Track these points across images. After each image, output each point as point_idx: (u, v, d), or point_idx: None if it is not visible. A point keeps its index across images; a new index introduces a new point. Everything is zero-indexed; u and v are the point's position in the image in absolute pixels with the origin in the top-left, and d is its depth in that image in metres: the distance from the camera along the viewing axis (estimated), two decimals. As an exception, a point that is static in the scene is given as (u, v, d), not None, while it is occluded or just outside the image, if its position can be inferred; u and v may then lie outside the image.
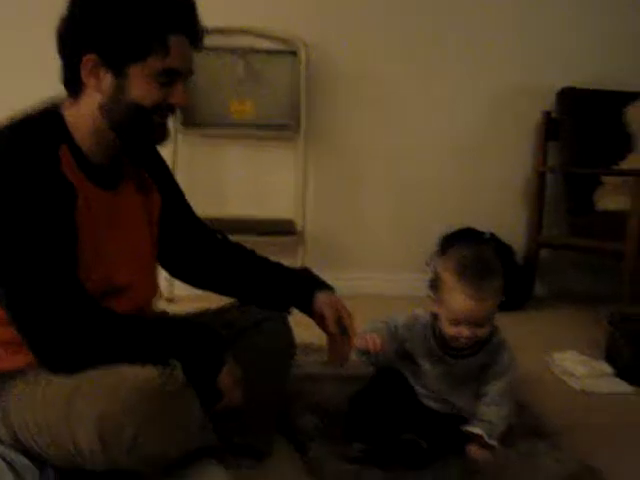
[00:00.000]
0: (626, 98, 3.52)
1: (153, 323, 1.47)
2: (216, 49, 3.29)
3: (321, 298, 1.70)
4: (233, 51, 3.32)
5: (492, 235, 3.48)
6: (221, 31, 3.29)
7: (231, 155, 3.41)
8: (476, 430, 1.56)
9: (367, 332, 1.56)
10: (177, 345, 1.39)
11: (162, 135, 1.49)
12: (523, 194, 3.68)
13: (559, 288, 3.75)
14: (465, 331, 1.51)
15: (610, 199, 3.19)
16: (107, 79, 1.38)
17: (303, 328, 1.78)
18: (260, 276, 1.76)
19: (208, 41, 3.20)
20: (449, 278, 1.51)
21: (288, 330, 1.74)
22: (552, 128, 3.56)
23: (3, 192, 1.28)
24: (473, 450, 1.56)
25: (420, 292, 3.47)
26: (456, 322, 1.51)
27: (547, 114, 3.57)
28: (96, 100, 1.40)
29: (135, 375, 1.26)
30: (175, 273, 1.80)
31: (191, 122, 3.29)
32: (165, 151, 3.23)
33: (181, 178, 3.13)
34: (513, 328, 2.92)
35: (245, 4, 3.34)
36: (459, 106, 3.60)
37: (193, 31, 1.44)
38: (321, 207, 3.51)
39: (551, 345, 2.61)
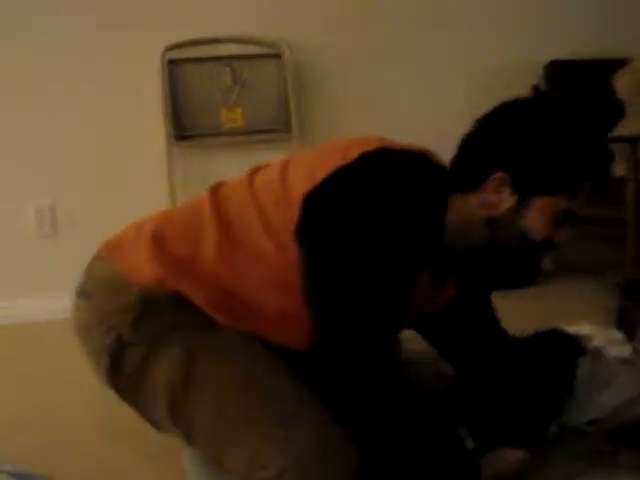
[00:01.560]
0: (613, 66, 3.52)
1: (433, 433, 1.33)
2: (201, 60, 3.32)
3: None
4: (218, 60, 3.35)
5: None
6: (204, 41, 3.31)
7: (226, 164, 3.40)
8: None
9: None
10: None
11: (529, 275, 1.47)
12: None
13: (566, 260, 3.76)
14: None
15: (607, 167, 3.19)
16: (509, 200, 1.36)
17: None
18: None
19: (193, 52, 3.28)
20: None
21: None
22: (543, 102, 3.56)
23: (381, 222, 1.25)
24: None
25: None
26: None
27: (536, 88, 3.57)
28: (486, 210, 1.38)
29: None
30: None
31: (183, 135, 3.31)
32: (159, 167, 3.28)
33: (178, 192, 3.18)
34: (525, 304, 2.97)
35: (225, 11, 3.37)
36: (448, 90, 3.61)
37: (603, 182, 1.42)
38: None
39: (563, 317, 2.61)
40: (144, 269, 1.32)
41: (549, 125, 1.36)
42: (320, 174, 1.31)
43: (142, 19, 3.29)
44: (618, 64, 3.51)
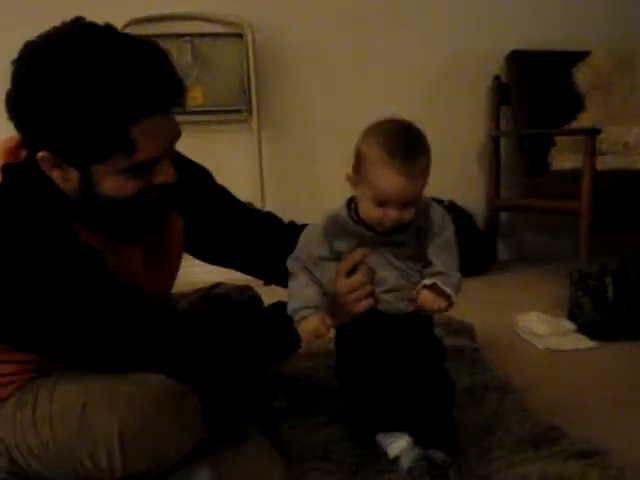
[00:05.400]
0: (574, 58, 3.55)
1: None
2: (161, 36, 3.26)
3: None
4: (179, 37, 3.29)
5: (451, 203, 3.51)
6: (166, 17, 3.26)
7: (183, 142, 3.34)
8: (427, 282, 1.34)
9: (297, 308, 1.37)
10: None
11: (155, 214, 1.35)
12: (479, 160, 3.72)
13: (521, 250, 3.80)
14: (392, 213, 1.31)
15: (564, 158, 3.22)
16: (72, 174, 1.23)
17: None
18: None
19: (153, 28, 3.22)
20: (375, 153, 1.30)
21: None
22: (503, 92, 3.58)
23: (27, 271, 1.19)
24: (424, 296, 1.33)
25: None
26: (382, 203, 1.31)
27: (497, 78, 3.59)
28: (63, 185, 1.26)
29: (147, 381, 1.25)
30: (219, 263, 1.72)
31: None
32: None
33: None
34: (478, 293, 2.99)
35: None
36: (410, 76, 3.61)
37: (167, 98, 1.22)
38: (280, 188, 3.51)
39: (515, 307, 2.65)
40: None
41: (56, 101, 1.15)
42: None
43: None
44: (579, 56, 3.54)
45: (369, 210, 1.33)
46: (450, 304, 1.33)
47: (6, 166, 1.27)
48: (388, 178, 1.28)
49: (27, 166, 1.26)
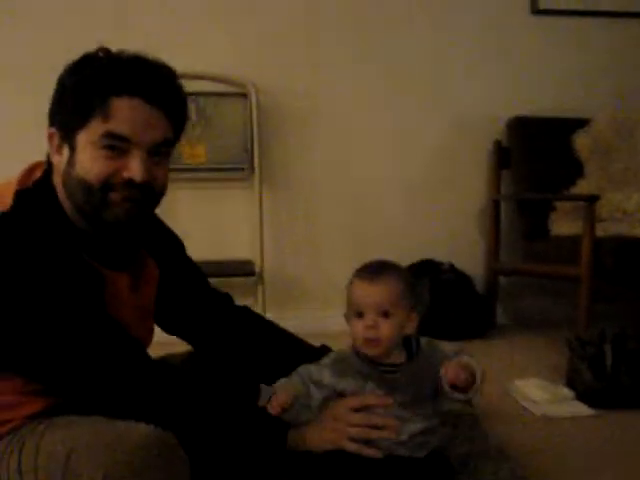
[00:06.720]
0: (574, 125, 3.58)
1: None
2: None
3: None
4: (185, 95, 3.33)
5: (451, 265, 3.51)
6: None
7: (186, 199, 3.39)
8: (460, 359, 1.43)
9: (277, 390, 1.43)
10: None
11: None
12: (479, 223, 3.73)
13: (520, 314, 3.78)
14: (368, 321, 1.39)
15: (563, 224, 3.23)
16: (65, 155, 1.33)
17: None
18: (268, 350, 1.72)
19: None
20: (350, 280, 1.47)
21: None
22: (504, 156, 3.62)
23: (28, 291, 1.23)
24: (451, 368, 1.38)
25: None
26: (358, 313, 1.41)
27: (498, 143, 3.63)
28: (62, 169, 1.35)
29: (134, 431, 1.22)
30: (174, 333, 1.77)
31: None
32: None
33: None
34: (476, 357, 2.96)
35: (193, 48, 3.37)
36: (412, 139, 3.64)
37: (153, 89, 1.32)
38: (279, 247, 3.52)
39: (513, 372, 2.63)
40: None
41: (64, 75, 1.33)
42: None
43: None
44: (579, 124, 3.58)
45: (352, 327, 1.43)
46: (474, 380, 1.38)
47: (18, 192, 1.34)
48: (355, 287, 1.43)
49: (36, 190, 1.36)
